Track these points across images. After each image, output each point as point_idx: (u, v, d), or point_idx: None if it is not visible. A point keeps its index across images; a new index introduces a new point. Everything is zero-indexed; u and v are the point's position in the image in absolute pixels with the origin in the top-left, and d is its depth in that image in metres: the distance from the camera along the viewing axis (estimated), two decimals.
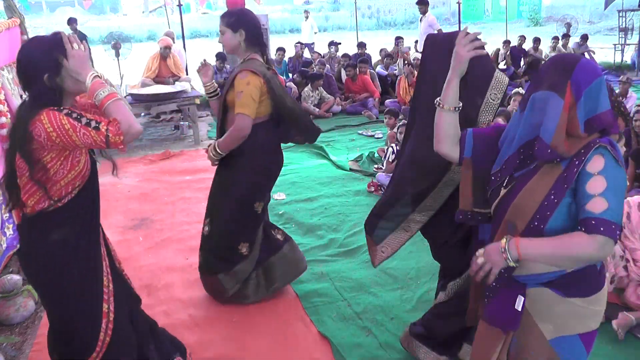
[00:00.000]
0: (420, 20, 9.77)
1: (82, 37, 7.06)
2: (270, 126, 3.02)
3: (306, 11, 15.03)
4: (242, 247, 3.10)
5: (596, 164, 1.49)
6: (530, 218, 1.57)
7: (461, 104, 1.83)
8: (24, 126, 1.79)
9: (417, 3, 9.75)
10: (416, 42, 10.32)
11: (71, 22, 10.44)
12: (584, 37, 12.13)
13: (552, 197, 1.54)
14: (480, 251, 1.63)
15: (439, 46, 2.14)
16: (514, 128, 1.66)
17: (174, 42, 8.63)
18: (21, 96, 4.49)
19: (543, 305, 1.66)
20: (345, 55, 10.05)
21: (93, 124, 1.79)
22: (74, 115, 1.80)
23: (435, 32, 9.52)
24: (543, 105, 1.54)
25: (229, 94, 2.91)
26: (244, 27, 2.87)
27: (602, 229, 1.43)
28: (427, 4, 9.65)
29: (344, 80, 9.20)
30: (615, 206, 1.45)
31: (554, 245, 1.50)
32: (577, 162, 1.52)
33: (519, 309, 1.67)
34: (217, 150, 2.95)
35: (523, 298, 1.67)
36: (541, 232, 1.55)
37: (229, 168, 3.04)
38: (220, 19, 2.93)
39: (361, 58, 9.52)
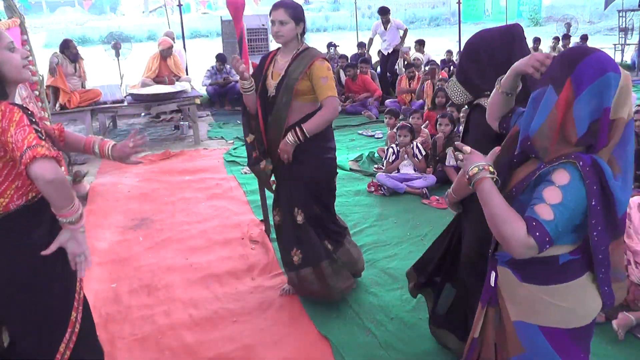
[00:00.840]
0: (386, 29, 9.55)
1: (76, 57, 7.01)
2: None
3: (384, 10, 14.36)
4: (334, 225, 3.22)
5: (561, 177, 1.46)
6: (507, 194, 1.61)
7: (515, 92, 1.79)
8: None
9: (379, 12, 9.51)
10: (381, 51, 10.15)
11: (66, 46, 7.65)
12: (584, 38, 12.14)
13: (524, 182, 1.57)
14: (465, 150, 1.63)
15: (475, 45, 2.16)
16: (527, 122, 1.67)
17: (174, 42, 8.63)
18: (21, 96, 4.49)
19: (508, 286, 1.70)
20: (343, 57, 10.04)
21: (40, 134, 1.67)
22: (32, 117, 1.70)
23: (401, 32, 9.48)
24: (540, 100, 1.53)
25: (302, 83, 2.89)
26: (303, 20, 2.96)
27: (537, 234, 1.44)
28: (389, 12, 9.56)
29: (342, 81, 9.20)
30: (560, 224, 1.45)
31: (497, 211, 1.49)
32: (542, 166, 1.52)
33: (492, 284, 1.73)
34: (305, 134, 2.88)
35: (495, 274, 1.72)
36: (513, 199, 1.59)
37: (299, 156, 2.98)
38: (278, 9, 2.87)
39: (362, 58, 9.52)
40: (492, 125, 1.87)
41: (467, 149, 1.63)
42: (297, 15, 2.90)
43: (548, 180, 1.48)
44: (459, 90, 2.22)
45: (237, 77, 3.54)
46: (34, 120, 1.71)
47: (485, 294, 1.79)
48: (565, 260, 1.58)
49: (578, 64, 1.44)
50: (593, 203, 1.45)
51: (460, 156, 1.64)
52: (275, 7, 2.90)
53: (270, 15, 2.92)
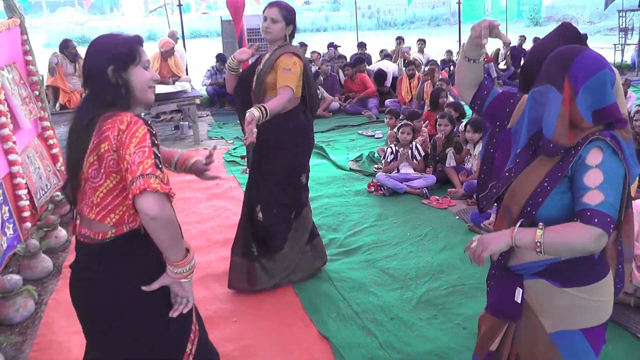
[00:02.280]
0: None
1: (75, 57, 7.00)
2: (303, 110, 3.22)
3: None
4: (291, 214, 3.32)
5: (595, 156, 1.48)
6: (523, 203, 1.59)
7: (479, 58, 1.81)
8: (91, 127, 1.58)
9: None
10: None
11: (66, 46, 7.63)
12: (584, 37, 12.10)
13: (546, 184, 1.55)
14: (476, 237, 1.63)
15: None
16: (521, 125, 1.66)
17: (175, 42, 8.64)
18: (21, 96, 4.49)
19: (542, 298, 1.66)
20: (342, 57, 10.04)
21: (158, 161, 1.52)
22: (154, 139, 1.56)
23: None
24: (543, 100, 1.56)
25: (270, 76, 3.04)
26: (294, 24, 3.12)
27: (596, 220, 1.43)
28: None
29: (342, 82, 9.21)
30: (612, 200, 1.45)
31: (562, 234, 1.48)
32: (573, 152, 1.52)
33: (519, 301, 1.68)
34: (267, 109, 2.89)
35: (521, 290, 1.68)
36: (533, 218, 1.57)
37: (269, 153, 3.18)
38: (273, 7, 3.05)
39: (357, 57, 9.53)
40: (464, 98, 1.91)
41: (475, 237, 1.62)
42: (289, 17, 3.07)
43: (583, 165, 1.49)
44: None
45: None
46: (156, 142, 1.57)
47: (506, 309, 1.73)
48: (598, 254, 1.61)
49: (572, 64, 1.51)
50: (624, 173, 1.50)
51: (474, 244, 1.61)
52: (271, 5, 3.07)
53: (263, 12, 3.06)
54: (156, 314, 1.70)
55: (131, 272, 1.66)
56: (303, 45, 10.84)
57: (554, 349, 1.65)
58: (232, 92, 3.35)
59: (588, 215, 1.44)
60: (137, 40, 1.71)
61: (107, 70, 1.63)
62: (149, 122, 1.61)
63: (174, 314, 1.68)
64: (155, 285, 1.65)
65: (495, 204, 1.82)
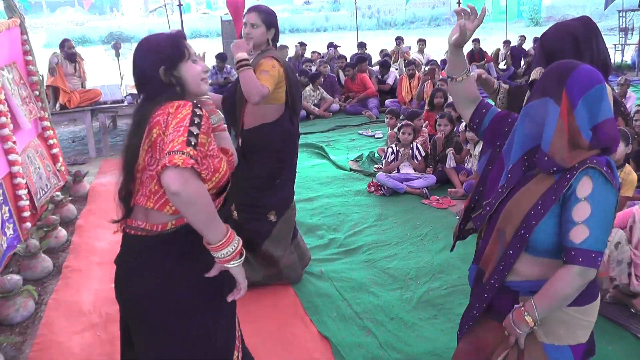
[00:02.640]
0: None
1: (73, 57, 6.99)
2: (289, 116, 3.21)
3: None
4: (270, 215, 3.26)
5: (584, 188, 1.49)
6: (518, 226, 1.58)
7: (462, 75, 1.80)
8: (145, 123, 1.56)
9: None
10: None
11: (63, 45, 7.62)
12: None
13: (539, 207, 1.54)
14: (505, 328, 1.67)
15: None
16: (511, 142, 1.65)
17: None
18: (21, 96, 4.49)
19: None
20: (341, 57, 10.03)
21: (193, 140, 1.45)
22: (196, 119, 1.50)
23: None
24: (539, 113, 1.55)
25: None
26: (275, 27, 3.12)
27: (580, 259, 1.47)
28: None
29: (342, 82, 9.21)
30: (598, 233, 1.47)
31: (546, 296, 1.55)
32: (568, 176, 1.51)
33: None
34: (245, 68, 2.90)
35: (517, 306, 1.65)
36: (526, 241, 1.56)
37: (254, 159, 3.17)
38: (251, 12, 3.05)
39: (359, 56, 9.53)
40: (463, 116, 1.88)
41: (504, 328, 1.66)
42: (270, 21, 3.06)
43: (573, 196, 1.50)
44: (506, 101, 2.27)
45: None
46: (199, 122, 1.50)
47: (503, 316, 1.72)
48: (595, 275, 1.59)
49: (568, 79, 1.51)
50: (616, 199, 1.52)
51: (511, 339, 1.66)
52: (250, 10, 3.08)
53: (244, 18, 3.06)
54: (208, 317, 1.63)
55: (189, 270, 1.59)
56: (333, 46, 10.84)
57: (545, 358, 1.66)
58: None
59: (572, 255, 1.48)
60: (181, 36, 1.71)
61: (159, 72, 1.63)
62: (199, 104, 1.57)
63: (228, 299, 1.63)
64: (212, 272, 1.57)
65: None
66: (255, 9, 3.07)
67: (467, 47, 10.29)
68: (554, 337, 1.65)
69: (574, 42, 2.07)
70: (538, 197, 1.55)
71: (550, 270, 1.57)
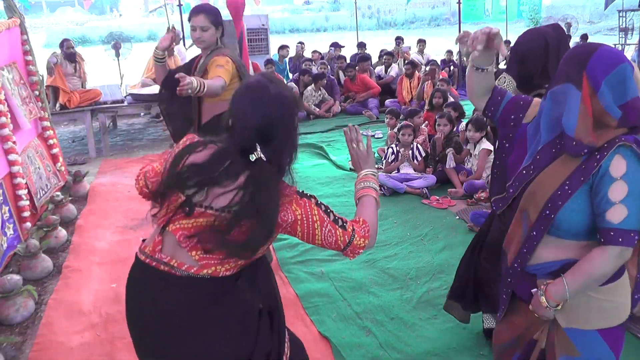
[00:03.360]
0: None
1: (72, 57, 6.99)
2: None
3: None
4: None
5: (618, 166, 1.47)
6: (542, 207, 1.57)
7: (488, 67, 1.85)
8: (277, 203, 1.49)
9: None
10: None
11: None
12: (584, 37, 12.13)
13: (567, 187, 1.53)
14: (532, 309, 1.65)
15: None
16: (538, 122, 1.65)
17: (177, 43, 8.62)
18: (21, 96, 4.49)
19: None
20: (341, 57, 10.03)
21: (340, 222, 1.55)
22: (323, 207, 1.56)
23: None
24: (562, 98, 1.54)
25: (205, 79, 3.01)
26: (222, 24, 3.13)
27: (620, 239, 1.46)
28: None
29: (342, 82, 9.20)
30: (636, 211, 1.46)
31: (579, 275, 1.52)
32: (598, 156, 1.49)
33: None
34: (205, 83, 2.84)
35: (536, 289, 1.66)
36: (551, 221, 1.55)
37: None
38: (199, 14, 3.01)
39: (361, 55, 9.52)
40: (476, 105, 1.94)
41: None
42: (217, 20, 3.07)
43: (607, 176, 1.48)
44: (513, 85, 2.29)
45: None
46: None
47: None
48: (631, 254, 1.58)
49: (589, 60, 1.49)
50: None
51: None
52: (196, 12, 3.03)
53: (190, 21, 3.02)
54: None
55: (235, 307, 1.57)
56: (302, 44, 10.83)
57: (569, 342, 1.64)
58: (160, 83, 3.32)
59: (611, 236, 1.46)
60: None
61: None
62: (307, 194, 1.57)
63: None
64: None
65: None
66: (202, 10, 3.03)
67: None
68: (577, 321, 1.61)
69: (545, 46, 2.16)
70: (565, 177, 1.54)
71: (572, 252, 1.57)
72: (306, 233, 1.53)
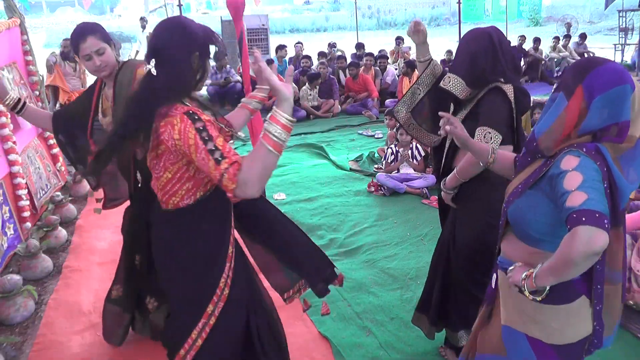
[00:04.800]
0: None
1: (69, 56, 6.97)
2: None
3: (143, 19, 10.87)
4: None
5: (570, 162, 1.44)
6: (505, 201, 1.66)
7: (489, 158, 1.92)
8: (151, 120, 1.66)
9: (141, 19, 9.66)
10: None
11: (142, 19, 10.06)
12: (582, 37, 12.14)
13: (520, 186, 1.61)
14: (511, 269, 1.63)
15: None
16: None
17: None
18: (21, 96, 4.49)
19: (504, 291, 1.72)
20: (341, 57, 10.02)
21: (217, 154, 1.58)
22: (204, 134, 1.61)
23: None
24: (550, 105, 1.57)
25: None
26: (112, 39, 2.57)
27: (584, 219, 1.32)
28: (147, 20, 9.77)
29: (342, 82, 9.20)
30: (596, 197, 1.35)
31: (548, 266, 1.44)
32: (548, 161, 1.53)
33: (492, 286, 1.79)
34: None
35: (496, 276, 1.76)
36: (505, 214, 1.65)
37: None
38: (87, 38, 2.39)
39: (367, 52, 9.54)
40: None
41: (511, 269, 1.62)
42: (107, 35, 2.50)
43: (560, 172, 1.45)
44: (461, 85, 2.28)
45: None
46: (206, 133, 1.65)
47: (487, 292, 1.85)
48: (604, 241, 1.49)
49: (589, 73, 1.46)
50: (605, 185, 1.41)
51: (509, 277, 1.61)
52: (82, 37, 2.39)
53: (78, 52, 2.42)
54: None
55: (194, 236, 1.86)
56: (334, 46, 10.80)
57: (499, 341, 1.69)
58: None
59: (574, 217, 1.34)
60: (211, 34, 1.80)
61: (192, 56, 1.72)
62: (191, 111, 1.66)
63: None
64: None
65: None
66: (88, 31, 2.41)
67: None
68: (510, 319, 1.68)
69: (492, 43, 2.25)
70: (524, 178, 1.62)
71: (522, 255, 1.60)
72: (189, 156, 1.64)
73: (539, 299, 1.52)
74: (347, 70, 9.22)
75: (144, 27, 9.77)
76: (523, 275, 1.52)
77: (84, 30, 2.41)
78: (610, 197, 1.41)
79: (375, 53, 11.09)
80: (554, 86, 1.64)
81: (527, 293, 1.51)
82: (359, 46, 10.72)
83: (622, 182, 1.44)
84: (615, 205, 1.45)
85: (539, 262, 1.49)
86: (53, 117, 2.66)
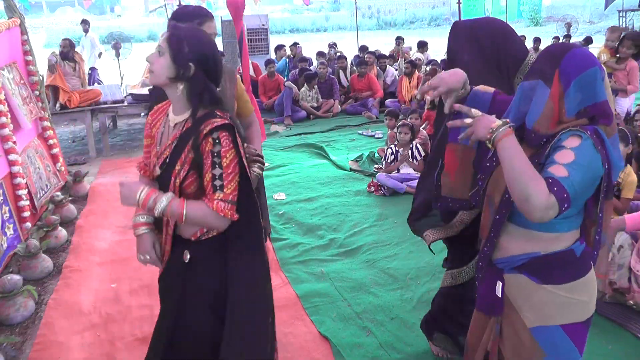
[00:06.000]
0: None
1: (67, 56, 6.98)
2: None
3: (85, 22, 10.04)
4: None
5: (572, 141, 1.48)
6: (503, 190, 1.59)
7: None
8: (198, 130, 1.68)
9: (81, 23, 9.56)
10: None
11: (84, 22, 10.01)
12: (587, 40, 12.12)
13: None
14: (475, 114, 1.63)
15: (461, 36, 2.21)
16: (507, 117, 1.67)
17: None
18: (21, 96, 4.49)
19: (521, 293, 1.65)
20: (341, 57, 10.01)
21: (217, 186, 1.67)
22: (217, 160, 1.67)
23: (97, 52, 9.52)
24: (531, 94, 1.57)
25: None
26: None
27: (555, 189, 1.39)
28: (89, 23, 9.64)
29: (342, 82, 9.19)
30: (575, 180, 1.42)
31: (522, 168, 1.44)
32: (551, 141, 1.53)
33: (499, 295, 1.68)
34: None
35: (501, 283, 1.68)
36: (510, 204, 1.57)
37: None
38: (208, 21, 2.34)
39: (380, 54, 9.59)
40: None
41: (477, 112, 1.63)
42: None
43: (560, 146, 1.49)
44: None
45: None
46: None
47: (485, 302, 1.76)
48: (581, 251, 1.60)
49: (562, 59, 1.51)
50: (606, 167, 1.49)
51: (468, 121, 1.61)
52: (208, 18, 2.35)
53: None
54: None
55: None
56: (296, 45, 10.80)
57: (535, 345, 1.64)
58: None
59: (550, 182, 1.41)
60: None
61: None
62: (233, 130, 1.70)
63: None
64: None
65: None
66: (211, 16, 2.37)
67: None
68: (539, 319, 1.63)
69: (473, 38, 2.17)
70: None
71: (537, 244, 1.58)
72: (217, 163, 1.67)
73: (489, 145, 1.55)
74: (352, 69, 9.19)
75: (86, 31, 9.62)
76: (491, 128, 1.53)
77: (208, 13, 2.42)
78: (607, 176, 1.51)
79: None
80: (526, 73, 1.64)
81: (488, 144, 1.54)
82: (363, 49, 10.69)
83: (616, 161, 1.53)
84: (610, 181, 1.54)
85: (540, 247, 1.58)
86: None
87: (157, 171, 1.80)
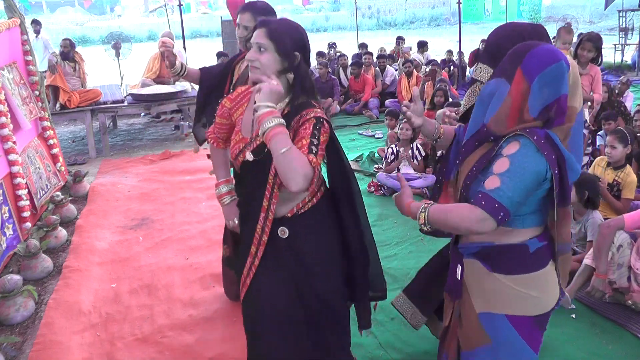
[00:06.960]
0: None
1: (67, 56, 6.93)
2: None
3: (36, 22, 9.49)
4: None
5: (510, 148, 1.52)
6: (461, 186, 1.66)
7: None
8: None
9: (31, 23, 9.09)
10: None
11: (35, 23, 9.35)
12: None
13: (474, 168, 1.61)
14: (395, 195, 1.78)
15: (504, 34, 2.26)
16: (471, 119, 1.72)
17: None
18: (21, 96, 4.49)
19: (474, 278, 1.71)
20: (342, 56, 10.01)
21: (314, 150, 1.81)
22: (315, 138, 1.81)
23: (50, 52, 8.89)
24: (492, 92, 1.59)
25: None
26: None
27: (483, 203, 1.47)
28: (40, 24, 9.39)
29: (342, 81, 9.19)
30: (507, 189, 1.47)
31: (445, 212, 1.57)
32: (501, 142, 1.56)
33: (458, 278, 1.75)
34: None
35: (461, 267, 1.74)
36: (465, 199, 1.63)
37: None
38: (247, 12, 2.59)
39: (380, 54, 9.57)
40: None
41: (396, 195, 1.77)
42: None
43: (499, 154, 1.54)
44: (488, 71, 2.27)
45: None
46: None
47: (449, 284, 1.83)
48: (535, 248, 1.62)
49: (525, 56, 1.52)
50: (556, 172, 1.50)
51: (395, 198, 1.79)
52: (243, 10, 2.63)
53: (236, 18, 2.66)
54: None
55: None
56: (333, 47, 10.80)
57: (481, 330, 1.68)
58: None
59: (479, 197, 1.49)
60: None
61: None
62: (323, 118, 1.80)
63: None
64: None
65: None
66: (253, 9, 2.57)
67: (473, 46, 10.27)
68: (487, 305, 1.67)
69: (520, 40, 2.15)
70: (477, 159, 1.63)
71: (490, 234, 1.60)
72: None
73: (425, 229, 1.63)
74: (348, 69, 9.19)
75: (37, 32, 9.39)
76: (422, 208, 1.62)
77: (249, 6, 2.63)
78: (560, 181, 1.52)
79: (375, 53, 11.10)
80: (491, 74, 1.66)
81: (420, 223, 1.63)
82: (362, 46, 10.70)
83: (572, 163, 1.54)
84: (564, 186, 1.55)
85: (494, 238, 1.62)
86: (201, 72, 3.00)
87: (249, 156, 1.85)
